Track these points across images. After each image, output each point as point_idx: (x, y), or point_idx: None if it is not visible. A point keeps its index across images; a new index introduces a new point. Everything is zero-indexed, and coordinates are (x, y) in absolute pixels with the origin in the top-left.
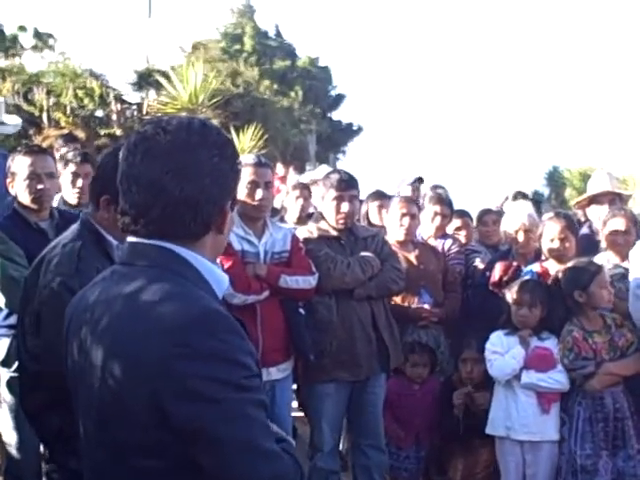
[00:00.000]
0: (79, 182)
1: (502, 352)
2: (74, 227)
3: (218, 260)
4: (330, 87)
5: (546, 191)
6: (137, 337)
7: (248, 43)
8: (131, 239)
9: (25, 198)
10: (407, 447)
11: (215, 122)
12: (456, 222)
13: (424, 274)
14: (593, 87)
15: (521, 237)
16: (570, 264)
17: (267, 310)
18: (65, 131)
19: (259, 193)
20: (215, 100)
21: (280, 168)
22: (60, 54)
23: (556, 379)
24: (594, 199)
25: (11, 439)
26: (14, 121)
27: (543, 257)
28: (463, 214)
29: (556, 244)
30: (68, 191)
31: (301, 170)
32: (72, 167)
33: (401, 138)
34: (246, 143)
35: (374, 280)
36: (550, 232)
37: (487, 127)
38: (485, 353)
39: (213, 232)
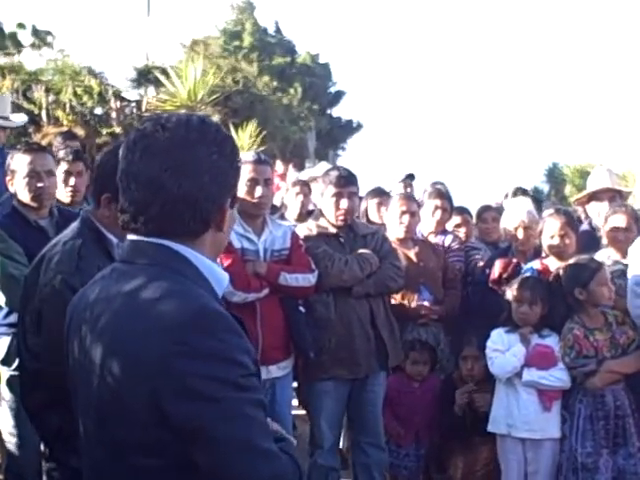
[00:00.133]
0: (71, 180)
1: (503, 350)
2: (74, 225)
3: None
4: (330, 83)
5: (546, 187)
6: (136, 335)
7: (248, 39)
8: (131, 237)
9: (25, 196)
10: (407, 445)
11: (215, 119)
12: (456, 219)
13: (424, 271)
14: (592, 84)
15: (520, 234)
16: (571, 261)
17: (267, 308)
18: (64, 129)
19: (258, 191)
20: (214, 97)
21: (279, 165)
22: (59, 52)
23: (557, 377)
24: (594, 196)
25: (11, 437)
26: (20, 118)
27: (543, 254)
28: (463, 211)
29: (556, 241)
30: (61, 189)
31: (300, 167)
32: (64, 165)
33: (401, 135)
34: (245, 140)
35: (372, 278)
36: (550, 229)
37: (487, 124)
38: (486, 351)
39: (213, 230)
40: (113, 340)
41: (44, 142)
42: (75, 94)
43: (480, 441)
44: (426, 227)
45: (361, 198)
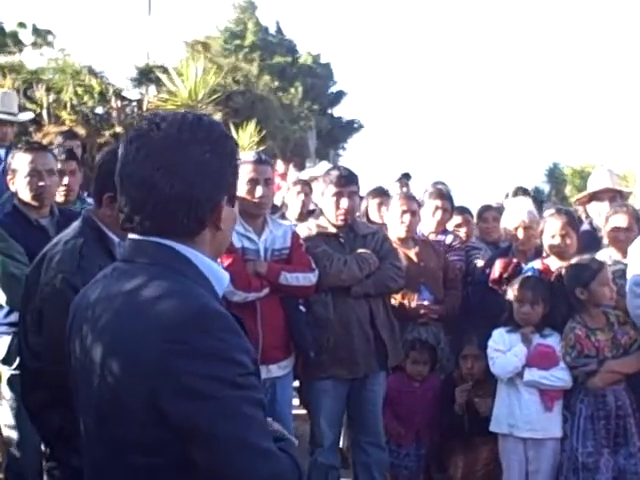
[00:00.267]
0: (65, 179)
1: (504, 350)
2: (75, 224)
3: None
4: (331, 83)
5: (546, 188)
6: (136, 334)
7: (250, 38)
8: (132, 236)
9: (26, 195)
10: (407, 445)
11: (217, 118)
12: (456, 219)
13: (424, 271)
14: (593, 84)
15: (521, 234)
16: (573, 261)
17: (267, 307)
18: (65, 128)
19: (259, 190)
20: (215, 96)
21: (280, 165)
22: (60, 51)
23: (558, 377)
24: (595, 196)
25: (12, 436)
26: (26, 115)
27: (544, 254)
28: (463, 211)
29: (557, 240)
30: None
31: (301, 167)
32: (57, 165)
33: (402, 135)
34: (246, 140)
35: (372, 278)
36: (551, 228)
37: (488, 124)
38: (487, 351)
39: (210, 228)
40: (113, 339)
41: (45, 141)
42: (76, 93)
43: (480, 441)
44: (426, 227)
45: (362, 198)
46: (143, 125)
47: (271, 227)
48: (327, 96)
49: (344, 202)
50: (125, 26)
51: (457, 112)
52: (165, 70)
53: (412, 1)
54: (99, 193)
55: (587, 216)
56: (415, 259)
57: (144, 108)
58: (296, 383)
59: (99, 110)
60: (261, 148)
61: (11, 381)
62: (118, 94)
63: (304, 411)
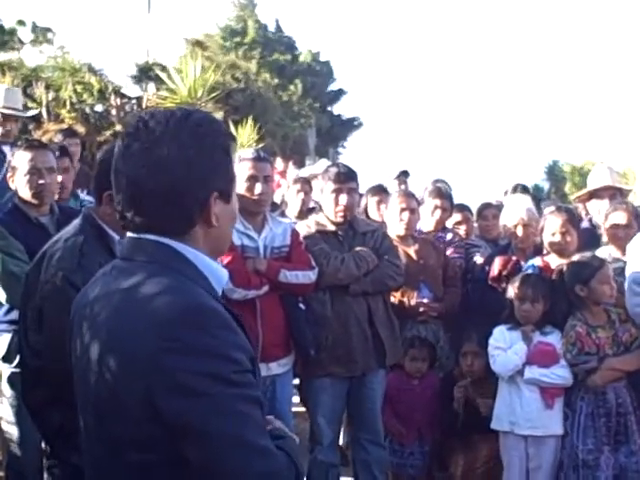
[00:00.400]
0: (58, 176)
1: (505, 347)
2: (76, 222)
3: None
4: (330, 80)
5: (546, 185)
6: (131, 332)
7: (251, 35)
8: (130, 234)
9: (26, 193)
10: (410, 443)
11: (218, 116)
12: (456, 216)
13: (424, 269)
14: (593, 82)
15: (520, 232)
16: (574, 258)
17: (267, 305)
18: (64, 126)
19: (258, 188)
20: (215, 94)
21: (280, 162)
22: (59, 48)
23: (559, 374)
24: (595, 193)
25: (12, 434)
26: (29, 112)
27: (545, 251)
28: (463, 208)
29: (557, 238)
30: None
31: (301, 164)
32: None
33: (402, 132)
34: (245, 137)
35: (370, 276)
36: (551, 226)
37: (487, 122)
38: (488, 348)
39: (202, 226)
40: (110, 336)
41: (44, 139)
42: (75, 91)
43: (480, 439)
44: (426, 226)
45: (361, 195)
46: (133, 123)
47: (271, 225)
48: (327, 94)
49: (343, 199)
50: (125, 24)
51: (457, 110)
52: (164, 68)
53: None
54: (99, 191)
55: (587, 213)
56: (414, 257)
57: (144, 106)
58: (296, 381)
59: (98, 108)
60: (260, 145)
61: (11, 379)
62: (117, 92)
63: (304, 409)
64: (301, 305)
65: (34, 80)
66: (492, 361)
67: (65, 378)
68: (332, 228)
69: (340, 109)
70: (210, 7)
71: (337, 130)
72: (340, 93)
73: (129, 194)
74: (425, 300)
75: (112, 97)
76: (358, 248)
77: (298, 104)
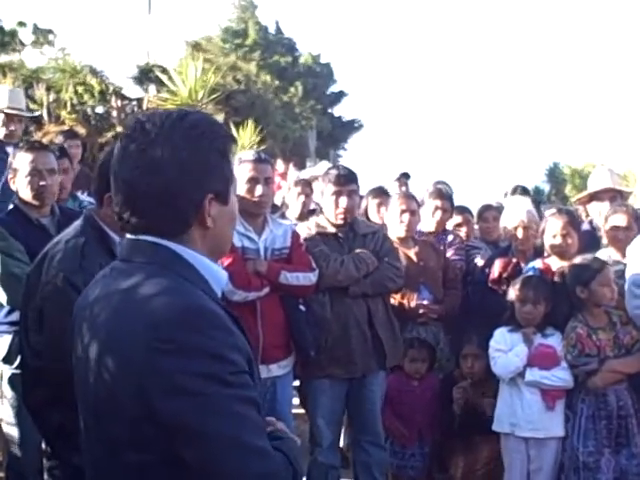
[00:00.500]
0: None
1: (505, 350)
2: (77, 223)
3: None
4: (331, 82)
5: (546, 187)
6: (129, 332)
7: (252, 37)
8: (129, 236)
9: (27, 194)
10: (411, 445)
11: (219, 118)
12: (456, 218)
13: (424, 271)
14: (593, 84)
15: (520, 234)
16: (577, 260)
17: (267, 307)
18: (65, 127)
19: (259, 189)
20: (215, 96)
21: (280, 164)
22: (60, 50)
23: (559, 376)
24: (595, 196)
25: (13, 435)
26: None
27: (545, 253)
28: (464, 210)
29: (558, 240)
30: None
31: (301, 166)
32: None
33: (402, 134)
34: (246, 139)
35: (370, 278)
36: (552, 228)
37: (488, 124)
38: (489, 350)
39: (197, 227)
40: (109, 337)
41: (45, 140)
42: (76, 92)
43: (481, 440)
44: (426, 227)
45: (361, 197)
46: (131, 124)
47: (271, 226)
48: (327, 96)
49: (343, 201)
50: (125, 25)
51: (457, 112)
52: (164, 70)
53: (412, 1)
54: (100, 192)
55: (587, 216)
56: (415, 259)
57: (144, 107)
58: (296, 382)
59: (99, 109)
60: (261, 148)
61: (12, 380)
62: (118, 93)
63: (304, 410)
64: (301, 307)
65: (35, 81)
66: (493, 363)
67: (65, 379)
68: (332, 230)
69: (341, 111)
70: (210, 9)
71: (338, 132)
72: (341, 95)
73: (125, 195)
74: (425, 302)
75: (113, 99)
76: (358, 250)
77: (299, 106)
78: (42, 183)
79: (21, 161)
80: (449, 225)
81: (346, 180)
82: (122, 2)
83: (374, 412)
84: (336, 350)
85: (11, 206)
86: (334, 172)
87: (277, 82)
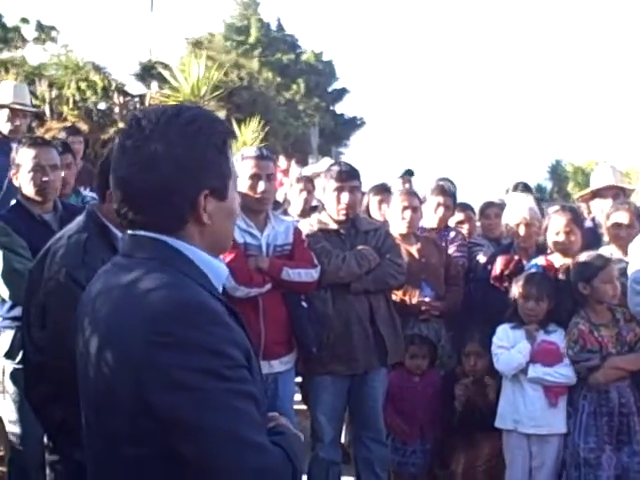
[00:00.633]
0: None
1: (508, 346)
2: (79, 219)
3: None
4: (333, 80)
5: (549, 185)
6: (127, 327)
7: (253, 35)
8: (129, 232)
9: (29, 190)
10: (413, 441)
11: (221, 115)
12: (459, 215)
13: (426, 267)
14: (596, 81)
15: (522, 231)
16: (581, 257)
17: (269, 303)
18: (68, 124)
19: (261, 186)
20: (218, 92)
21: (282, 161)
22: (63, 46)
23: (562, 373)
24: (598, 193)
25: (15, 430)
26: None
27: (548, 250)
28: (466, 207)
29: (561, 237)
30: None
31: (303, 163)
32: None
33: (404, 131)
34: (248, 136)
35: (371, 274)
36: (556, 225)
37: (490, 121)
38: (492, 347)
39: (194, 223)
40: (109, 331)
41: (47, 137)
42: (78, 89)
43: (482, 437)
44: (428, 224)
45: (364, 194)
46: (128, 122)
47: (273, 223)
48: (329, 93)
49: (345, 197)
50: (128, 22)
51: (460, 109)
52: (167, 66)
53: None
54: (102, 188)
55: (589, 213)
56: (416, 255)
57: (147, 104)
58: (298, 379)
59: (102, 106)
60: (264, 144)
61: (14, 375)
62: (121, 90)
63: (305, 406)
64: (303, 303)
65: (37, 78)
66: (495, 359)
67: (68, 374)
68: (334, 226)
69: (343, 108)
70: (212, 6)
71: (340, 129)
72: (343, 92)
73: (123, 192)
74: (427, 299)
75: (115, 95)
76: (360, 247)
77: (301, 103)
78: (45, 179)
79: (24, 157)
80: (451, 222)
81: (348, 176)
82: None
83: (375, 409)
84: (338, 347)
85: (13, 202)
86: (336, 168)
87: (279, 79)
